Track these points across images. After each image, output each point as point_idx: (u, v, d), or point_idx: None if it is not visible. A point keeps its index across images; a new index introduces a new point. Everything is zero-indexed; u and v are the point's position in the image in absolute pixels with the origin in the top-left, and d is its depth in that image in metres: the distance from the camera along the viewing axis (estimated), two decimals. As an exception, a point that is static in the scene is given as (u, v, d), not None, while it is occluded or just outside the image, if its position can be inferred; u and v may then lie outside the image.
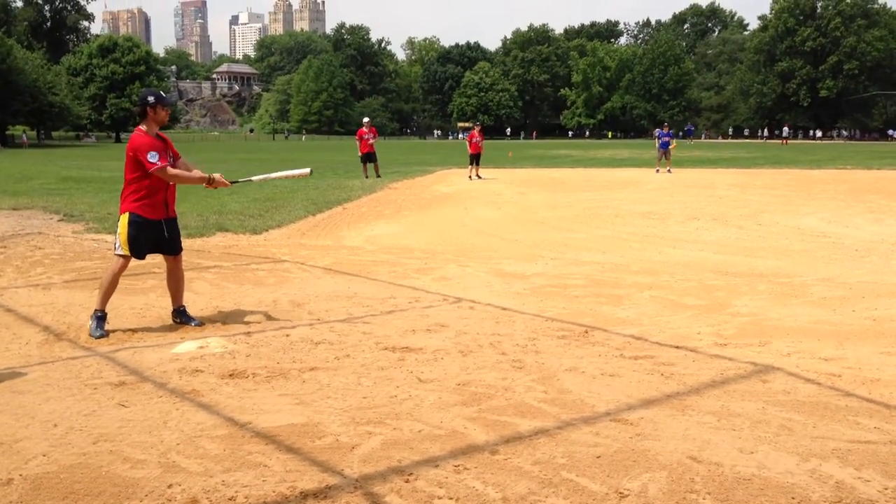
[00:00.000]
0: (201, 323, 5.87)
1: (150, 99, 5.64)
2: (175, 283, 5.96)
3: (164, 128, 5.86)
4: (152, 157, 5.50)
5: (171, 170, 5.62)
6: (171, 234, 5.83)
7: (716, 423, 3.82)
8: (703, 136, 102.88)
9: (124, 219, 5.65)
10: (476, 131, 25.02)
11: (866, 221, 12.99)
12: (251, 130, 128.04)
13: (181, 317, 5.90)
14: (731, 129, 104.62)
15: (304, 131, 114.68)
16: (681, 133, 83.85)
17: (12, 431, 3.73)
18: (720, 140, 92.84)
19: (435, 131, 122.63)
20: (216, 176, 5.77)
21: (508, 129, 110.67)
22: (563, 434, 3.67)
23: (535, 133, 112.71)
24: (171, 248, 5.88)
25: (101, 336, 5.47)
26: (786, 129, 69.96)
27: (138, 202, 5.63)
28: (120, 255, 5.69)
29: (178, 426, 3.79)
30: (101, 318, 5.60)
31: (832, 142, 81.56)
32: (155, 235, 5.71)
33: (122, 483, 3.17)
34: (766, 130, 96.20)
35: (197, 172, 5.82)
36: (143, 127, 5.64)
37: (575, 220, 13.38)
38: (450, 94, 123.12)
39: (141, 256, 5.79)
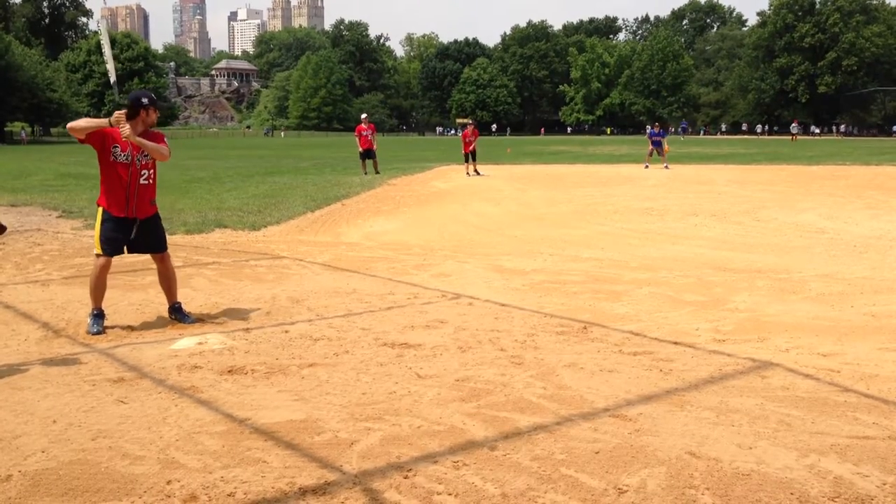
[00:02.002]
0: (195, 320, 5.86)
1: (144, 101, 5.58)
2: (166, 282, 5.92)
3: (162, 124, 5.83)
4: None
5: (70, 123, 5.53)
6: (144, 234, 5.71)
7: (714, 418, 3.83)
8: (702, 132, 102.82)
9: (98, 215, 5.67)
10: (469, 130, 24.94)
11: (864, 217, 12.99)
12: (248, 127, 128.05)
13: (176, 314, 5.89)
14: (723, 126, 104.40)
15: (284, 128, 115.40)
16: (675, 130, 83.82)
17: (11, 428, 3.73)
18: (718, 136, 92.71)
19: (437, 128, 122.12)
20: (114, 120, 5.47)
21: (495, 126, 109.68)
22: (561, 430, 3.68)
23: (542, 130, 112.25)
24: (150, 248, 5.83)
25: (98, 333, 5.47)
26: (794, 125, 68.80)
27: (103, 195, 5.64)
28: (97, 255, 5.67)
29: (176, 422, 3.79)
30: (97, 315, 5.61)
31: (840, 138, 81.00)
32: (126, 233, 5.64)
33: (121, 479, 3.18)
34: (763, 126, 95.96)
35: (96, 121, 5.61)
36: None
37: (574, 217, 13.38)
38: (448, 91, 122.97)
39: (113, 254, 5.69)
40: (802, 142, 59.16)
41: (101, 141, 5.50)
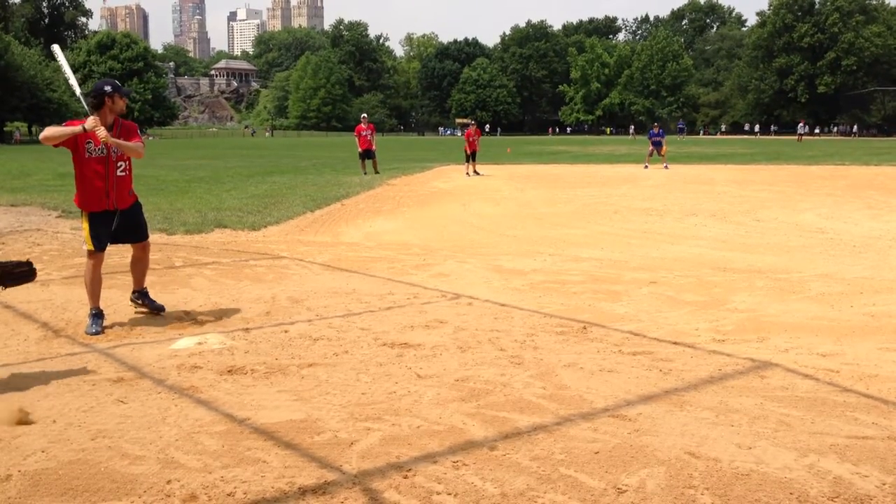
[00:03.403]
0: (162, 307, 6.01)
1: (107, 89, 5.57)
2: (140, 268, 6.04)
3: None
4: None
5: (42, 133, 5.55)
6: (126, 223, 5.78)
7: (714, 418, 3.83)
8: (701, 132, 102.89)
9: (84, 216, 5.74)
10: (472, 129, 24.99)
11: (864, 217, 12.99)
12: (246, 126, 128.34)
13: (143, 298, 6.00)
14: (723, 126, 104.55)
15: (270, 128, 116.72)
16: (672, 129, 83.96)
17: (11, 427, 3.73)
18: (717, 136, 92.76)
19: (440, 128, 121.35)
20: (89, 124, 5.46)
21: (487, 126, 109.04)
22: (561, 430, 3.68)
23: (550, 130, 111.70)
24: (132, 237, 5.93)
25: (97, 333, 5.48)
26: (801, 124, 68.43)
27: (78, 192, 5.70)
28: (88, 251, 5.73)
29: (176, 422, 3.79)
30: (96, 315, 5.63)
31: (853, 138, 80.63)
32: (109, 226, 5.71)
33: (121, 479, 3.18)
34: (764, 127, 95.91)
35: (70, 128, 5.55)
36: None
37: (573, 217, 13.38)
38: (448, 91, 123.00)
39: (103, 248, 5.77)
40: (808, 143, 58.56)
41: (73, 141, 5.50)
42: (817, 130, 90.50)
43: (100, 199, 5.62)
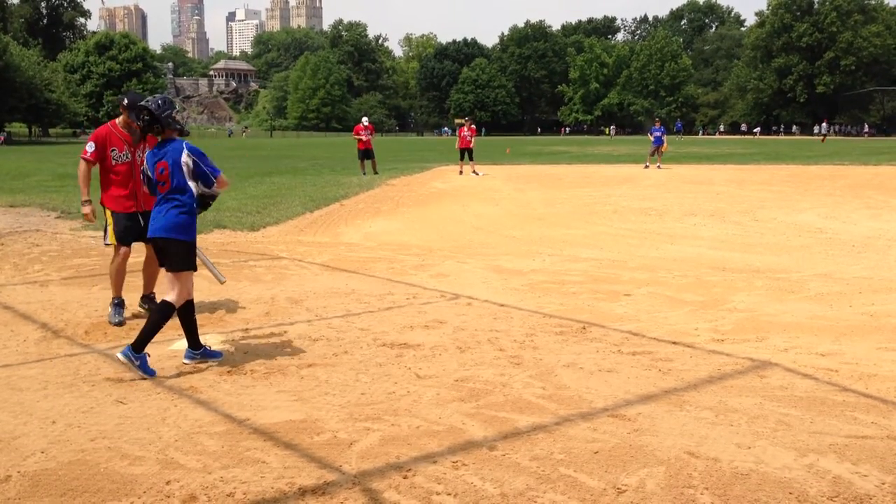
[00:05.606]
0: None
1: (125, 101, 5.88)
2: (151, 270, 6.12)
3: None
4: (88, 146, 5.78)
5: (82, 166, 5.80)
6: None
7: (713, 418, 3.83)
8: (700, 132, 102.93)
9: (107, 214, 5.91)
10: (465, 127, 24.80)
11: (863, 217, 13.00)
12: (246, 128, 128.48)
13: (149, 303, 6.04)
14: (721, 127, 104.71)
15: (245, 128, 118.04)
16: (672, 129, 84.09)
17: (10, 428, 3.73)
18: (716, 136, 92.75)
19: (444, 129, 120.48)
20: (86, 210, 5.97)
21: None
22: (560, 430, 3.68)
23: (563, 129, 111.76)
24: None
25: (119, 323, 5.66)
26: (824, 124, 68.26)
27: (106, 193, 5.88)
28: (109, 245, 5.92)
29: (176, 423, 3.79)
30: (118, 304, 5.81)
31: (866, 138, 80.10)
32: (136, 225, 5.87)
33: (121, 479, 3.18)
34: (758, 127, 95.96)
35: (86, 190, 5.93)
36: (116, 119, 5.97)
37: (573, 217, 13.38)
38: (447, 91, 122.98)
39: (129, 242, 5.95)
40: (832, 142, 57.78)
41: (101, 154, 5.80)
42: (817, 130, 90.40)
43: (127, 200, 5.84)
